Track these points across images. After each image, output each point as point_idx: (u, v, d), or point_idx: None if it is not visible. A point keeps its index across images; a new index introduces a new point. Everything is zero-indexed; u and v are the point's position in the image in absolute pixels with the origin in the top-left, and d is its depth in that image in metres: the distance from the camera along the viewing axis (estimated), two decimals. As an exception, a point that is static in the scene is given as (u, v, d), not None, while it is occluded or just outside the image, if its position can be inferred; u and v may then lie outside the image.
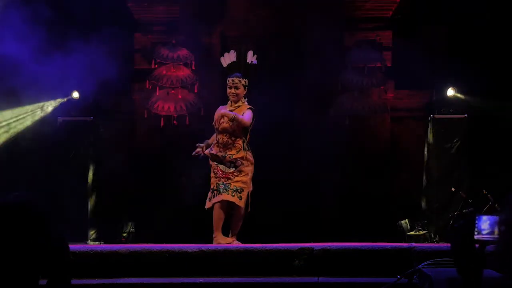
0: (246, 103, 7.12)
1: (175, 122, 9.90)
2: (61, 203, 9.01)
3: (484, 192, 8.25)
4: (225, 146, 7.02)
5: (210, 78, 9.82)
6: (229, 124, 6.96)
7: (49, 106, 9.69)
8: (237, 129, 6.99)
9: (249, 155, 7.06)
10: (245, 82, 7.11)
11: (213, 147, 7.11)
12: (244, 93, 7.13)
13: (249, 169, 7.04)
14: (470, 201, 8.52)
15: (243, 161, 6.99)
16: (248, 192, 7.04)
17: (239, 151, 7.02)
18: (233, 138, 7.02)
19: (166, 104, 9.59)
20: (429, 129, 9.32)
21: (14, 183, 8.94)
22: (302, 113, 9.95)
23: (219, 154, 7.02)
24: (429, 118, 9.35)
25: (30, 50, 8.58)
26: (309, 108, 9.97)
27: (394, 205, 9.53)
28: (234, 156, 7.00)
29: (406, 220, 9.10)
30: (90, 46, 9.23)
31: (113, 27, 9.21)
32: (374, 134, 9.94)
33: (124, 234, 9.29)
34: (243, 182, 6.99)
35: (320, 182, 9.74)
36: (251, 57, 7.21)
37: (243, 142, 7.04)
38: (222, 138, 7.03)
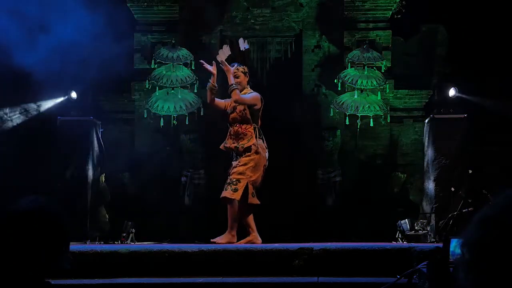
0: (250, 89, 7.14)
1: (175, 122, 9.90)
2: (60, 203, 8.98)
3: (484, 192, 8.24)
4: (237, 136, 6.97)
5: (210, 78, 9.80)
6: (237, 112, 6.94)
7: (46, 105, 9.67)
8: (244, 115, 6.91)
9: (260, 143, 6.92)
10: (244, 69, 7.15)
11: (227, 140, 7.06)
12: (247, 79, 7.16)
13: (250, 158, 6.91)
14: (470, 201, 8.51)
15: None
16: (247, 182, 6.83)
17: (250, 139, 6.93)
18: (243, 127, 6.96)
19: (166, 104, 9.58)
20: (429, 129, 9.30)
21: (14, 183, 8.91)
22: (301, 113, 9.95)
23: (232, 145, 6.97)
24: (429, 118, 9.34)
25: (28, 47, 8.57)
26: (309, 108, 9.97)
27: (394, 205, 9.52)
28: (245, 145, 6.90)
29: (406, 220, 9.08)
30: (90, 45, 9.22)
31: (112, 26, 9.19)
32: (374, 134, 9.94)
33: (124, 234, 9.27)
34: (239, 173, 6.82)
35: (319, 182, 9.73)
36: (242, 44, 7.25)
37: (254, 128, 6.96)
38: (233, 129, 6.99)
